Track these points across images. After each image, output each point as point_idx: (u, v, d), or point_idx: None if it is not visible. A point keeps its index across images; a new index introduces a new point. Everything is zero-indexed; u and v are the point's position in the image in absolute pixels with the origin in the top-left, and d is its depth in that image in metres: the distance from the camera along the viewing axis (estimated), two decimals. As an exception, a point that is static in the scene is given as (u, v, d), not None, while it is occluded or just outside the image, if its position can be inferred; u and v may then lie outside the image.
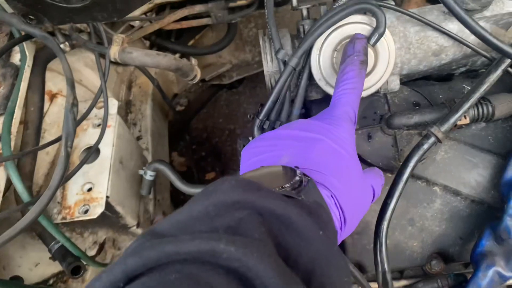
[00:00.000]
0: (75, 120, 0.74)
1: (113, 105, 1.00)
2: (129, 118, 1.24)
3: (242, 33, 1.78)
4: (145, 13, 1.13)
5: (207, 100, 2.09)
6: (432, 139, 0.67)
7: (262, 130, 0.68)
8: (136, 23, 1.18)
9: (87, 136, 0.98)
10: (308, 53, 0.68)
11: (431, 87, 0.79)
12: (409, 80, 0.83)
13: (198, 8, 1.21)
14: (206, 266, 0.27)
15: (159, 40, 1.38)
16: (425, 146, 0.67)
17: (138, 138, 1.21)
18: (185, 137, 2.08)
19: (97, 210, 0.87)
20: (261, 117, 0.67)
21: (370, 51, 0.65)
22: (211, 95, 2.10)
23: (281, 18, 1.70)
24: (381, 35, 0.63)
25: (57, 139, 0.78)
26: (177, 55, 1.45)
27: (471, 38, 0.70)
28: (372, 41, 0.63)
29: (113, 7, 0.61)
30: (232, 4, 1.21)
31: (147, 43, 1.41)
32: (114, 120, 0.99)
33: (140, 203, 1.09)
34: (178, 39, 1.51)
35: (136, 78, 1.31)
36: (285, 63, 0.67)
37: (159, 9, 1.23)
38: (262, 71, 0.73)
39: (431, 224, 0.74)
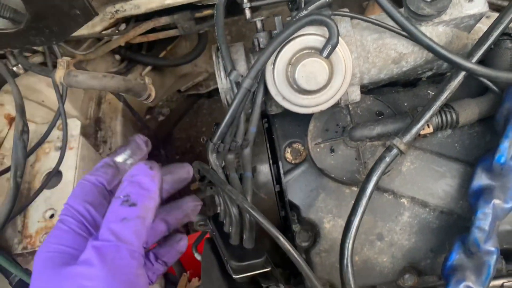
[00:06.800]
0: (25, 149, 0.71)
1: (76, 125, 0.97)
2: (99, 136, 1.20)
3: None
4: (107, 28, 1.09)
5: (187, 109, 2.05)
6: (395, 151, 0.64)
7: (217, 153, 0.65)
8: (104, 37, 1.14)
9: (49, 159, 0.95)
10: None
11: (395, 94, 0.76)
12: (375, 88, 0.80)
13: (163, 20, 1.18)
14: None
15: (129, 53, 1.35)
16: (388, 159, 0.64)
17: (109, 156, 1.17)
18: (167, 147, 2.04)
19: (59, 238, 0.83)
20: (214, 140, 0.63)
21: (324, 63, 0.62)
22: (191, 104, 2.07)
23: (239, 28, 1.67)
24: (334, 46, 0.60)
25: (7, 169, 0.75)
26: (148, 69, 1.42)
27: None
28: (325, 53, 0.60)
29: (50, 31, 0.57)
30: (198, 14, 1.17)
31: (117, 57, 1.37)
32: (76, 141, 0.95)
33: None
34: (150, 50, 1.48)
35: (106, 94, 1.27)
36: (238, 84, 0.64)
37: (126, 22, 1.20)
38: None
39: (400, 238, 0.71)
